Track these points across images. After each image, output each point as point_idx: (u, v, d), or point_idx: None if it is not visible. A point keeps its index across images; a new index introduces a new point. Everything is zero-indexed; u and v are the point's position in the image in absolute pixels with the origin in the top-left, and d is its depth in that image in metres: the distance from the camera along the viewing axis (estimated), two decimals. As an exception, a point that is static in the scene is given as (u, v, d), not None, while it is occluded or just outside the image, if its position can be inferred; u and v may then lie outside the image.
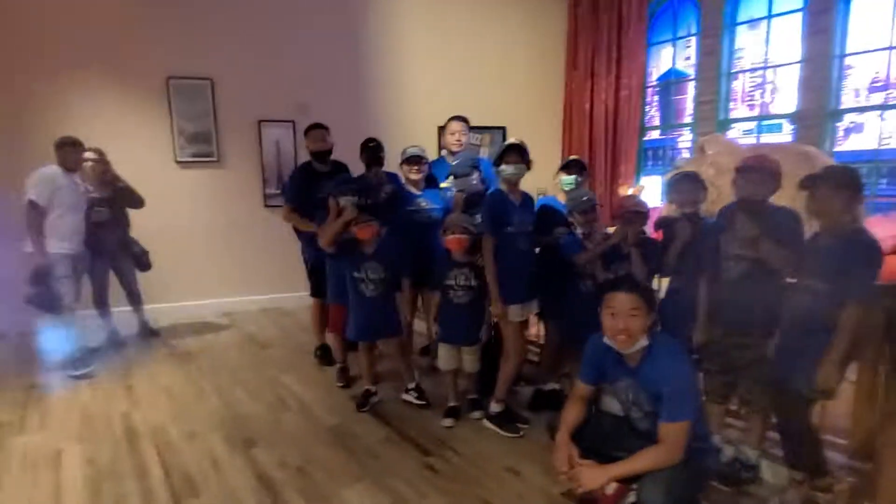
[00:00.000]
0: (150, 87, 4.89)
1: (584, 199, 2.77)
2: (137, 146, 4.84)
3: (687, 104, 5.64)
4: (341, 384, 3.45)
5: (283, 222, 3.85)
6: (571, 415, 2.04)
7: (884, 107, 4.29)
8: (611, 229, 2.78)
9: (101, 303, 4.24)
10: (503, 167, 2.68)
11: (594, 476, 1.82)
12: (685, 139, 5.68)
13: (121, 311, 4.39)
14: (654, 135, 6.06)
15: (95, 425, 2.94)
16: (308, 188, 3.50)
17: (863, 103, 4.42)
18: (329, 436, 2.81)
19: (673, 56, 5.77)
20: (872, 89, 4.35)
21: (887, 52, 4.22)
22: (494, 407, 2.88)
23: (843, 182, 1.92)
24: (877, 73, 4.32)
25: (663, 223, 2.67)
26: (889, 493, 1.79)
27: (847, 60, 4.43)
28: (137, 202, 4.21)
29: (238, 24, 5.10)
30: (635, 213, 2.59)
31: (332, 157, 3.68)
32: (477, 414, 3.00)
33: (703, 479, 1.95)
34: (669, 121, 5.89)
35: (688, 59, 5.59)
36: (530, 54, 6.36)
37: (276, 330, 4.74)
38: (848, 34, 4.37)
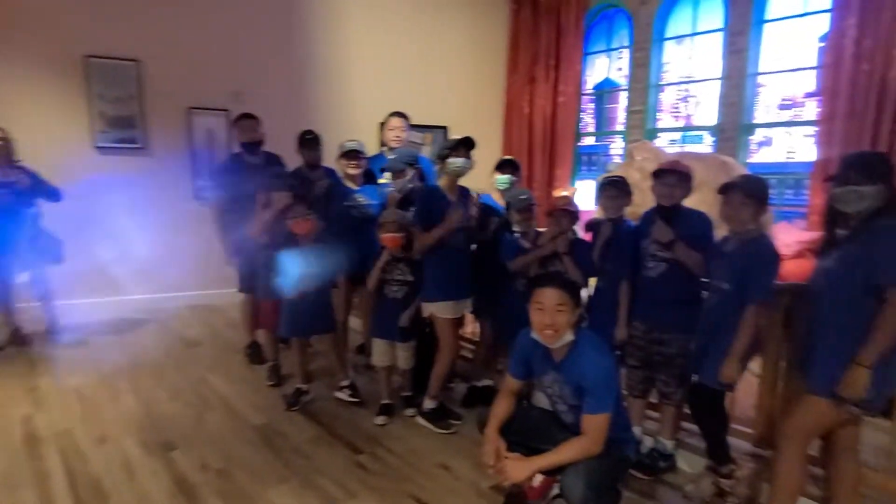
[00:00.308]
0: (64, 66, 4.53)
1: (523, 197, 2.83)
2: (50, 129, 4.49)
3: (619, 113, 5.90)
4: (272, 383, 3.35)
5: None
6: (500, 409, 2.07)
7: (790, 123, 4.67)
8: (543, 229, 2.85)
9: (3, 296, 3.89)
10: (452, 160, 2.68)
11: (520, 469, 1.86)
12: (617, 146, 5.94)
13: (29, 306, 4.05)
14: (589, 141, 6.29)
15: (-10, 431, 2.70)
16: (238, 180, 3.37)
17: (773, 119, 4.80)
18: (255, 436, 2.72)
19: (608, 66, 6.02)
20: (781, 107, 4.73)
21: (794, 73, 4.60)
22: (428, 403, 2.89)
23: (754, 192, 2.08)
24: (785, 91, 4.70)
25: (592, 225, 2.78)
26: (784, 478, 1.93)
27: (760, 79, 4.79)
28: (50, 194, 3.88)
29: (169, 4, 4.84)
30: (565, 211, 2.67)
31: (267, 148, 3.56)
32: (410, 411, 3.00)
33: (623, 468, 2.04)
34: (603, 128, 6.13)
35: (620, 69, 5.85)
36: (473, 56, 6.44)
37: (204, 327, 4.53)
38: (760, 55, 4.73)
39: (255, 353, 3.71)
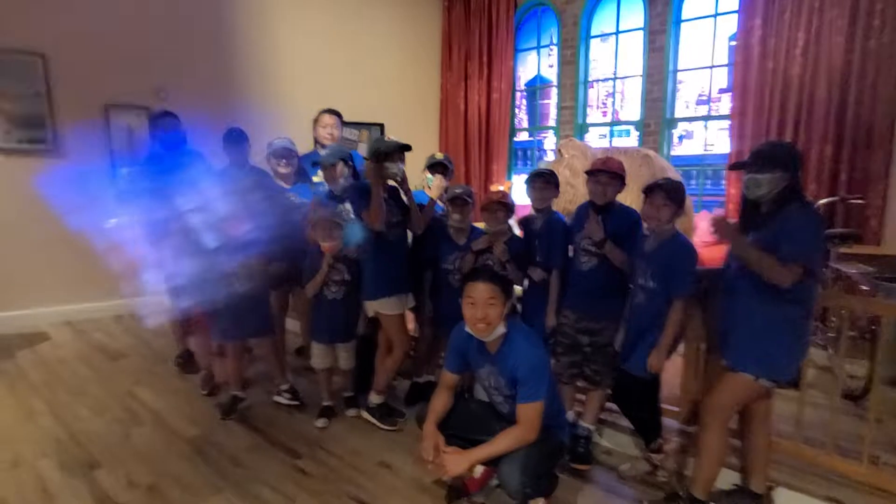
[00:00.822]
0: (-40, 61, 4.15)
1: (458, 191, 2.84)
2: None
3: (551, 109, 6.06)
4: (205, 392, 3.21)
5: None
6: (438, 404, 2.09)
7: (707, 117, 4.97)
8: (479, 224, 2.89)
9: None
10: (389, 164, 2.61)
11: (457, 462, 1.89)
12: (550, 141, 6.10)
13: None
14: (524, 136, 6.43)
15: None
16: (155, 181, 3.19)
17: (692, 114, 5.08)
18: (187, 448, 2.61)
19: (538, 63, 6.17)
20: (699, 102, 5.02)
21: (709, 70, 4.90)
22: (374, 398, 2.86)
23: (675, 195, 2.19)
24: (702, 88, 4.99)
25: (524, 221, 2.84)
26: (708, 450, 2.06)
27: (679, 76, 5.06)
28: None
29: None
30: (501, 204, 2.71)
31: (190, 146, 3.40)
32: (352, 412, 2.97)
33: (558, 453, 2.10)
34: (536, 123, 6.28)
35: (551, 66, 6.01)
36: (407, 53, 6.42)
37: (130, 338, 4.28)
38: (679, 53, 4.99)
39: (187, 363, 3.55)
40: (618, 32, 5.40)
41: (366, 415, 2.87)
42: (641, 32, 5.13)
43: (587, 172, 2.45)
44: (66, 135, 4.59)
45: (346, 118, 3.64)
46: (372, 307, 2.78)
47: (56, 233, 4.57)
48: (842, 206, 4.03)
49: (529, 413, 1.89)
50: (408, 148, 2.69)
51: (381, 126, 6.25)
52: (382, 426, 2.80)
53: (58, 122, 4.55)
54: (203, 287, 2.93)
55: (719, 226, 1.93)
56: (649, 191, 2.21)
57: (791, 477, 2.20)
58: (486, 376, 2.07)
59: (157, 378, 3.46)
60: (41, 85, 4.44)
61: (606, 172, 2.37)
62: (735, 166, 1.99)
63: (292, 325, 3.70)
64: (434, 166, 3.10)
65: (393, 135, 6.21)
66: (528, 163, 6.32)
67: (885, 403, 2.49)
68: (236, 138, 3.18)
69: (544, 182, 2.65)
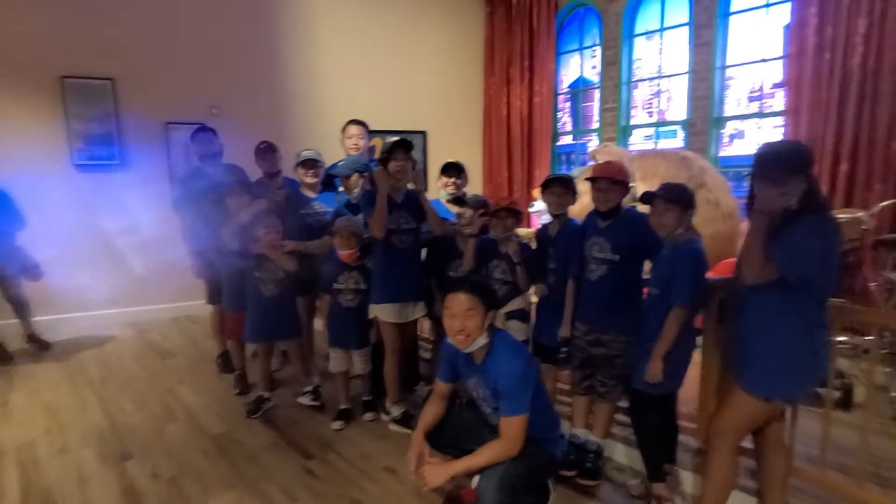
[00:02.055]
0: (41, 87, 4.66)
1: (472, 199, 2.85)
2: (29, 148, 4.61)
3: (594, 111, 5.90)
4: (237, 391, 3.41)
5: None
6: (428, 413, 2.11)
7: (760, 115, 4.65)
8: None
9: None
10: (391, 163, 2.66)
11: (437, 474, 1.89)
12: (594, 144, 5.93)
13: (7, 323, 4.16)
14: (568, 140, 6.29)
15: (-44, 446, 2.78)
16: (197, 193, 3.43)
17: (743, 111, 4.77)
18: (211, 444, 2.77)
19: (580, 65, 6.03)
20: (752, 99, 4.70)
21: (761, 64, 4.58)
22: (394, 410, 2.92)
23: (675, 198, 2.07)
24: (754, 84, 4.67)
25: (539, 231, 2.80)
26: (715, 473, 1.91)
27: (730, 72, 4.77)
28: (11, 221, 3.98)
29: (142, 22, 4.95)
30: (509, 210, 2.69)
31: (244, 161, 3.62)
32: (369, 416, 3.04)
33: (550, 467, 2.05)
34: (579, 126, 6.13)
35: (594, 67, 5.85)
36: (451, 60, 6.48)
37: (182, 339, 4.62)
38: (728, 47, 4.71)
39: (225, 363, 3.77)
40: (662, 29, 5.18)
41: (395, 427, 2.90)
42: (686, 28, 4.88)
43: (587, 179, 2.38)
44: (132, 151, 5.04)
45: (390, 128, 3.70)
46: (373, 310, 2.84)
47: (121, 242, 5.04)
48: (912, 209, 3.63)
49: (511, 426, 1.86)
50: (408, 144, 2.70)
51: (424, 133, 6.34)
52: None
53: (124, 139, 4.99)
54: (236, 290, 3.14)
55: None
56: (648, 200, 2.11)
57: (815, 507, 2.02)
58: (473, 387, 2.06)
59: (198, 377, 3.70)
60: (110, 106, 4.90)
61: (606, 179, 2.29)
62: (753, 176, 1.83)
63: (321, 325, 3.82)
64: (447, 168, 3.12)
65: (436, 144, 6.36)
66: (572, 167, 6.18)
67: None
68: (265, 150, 3.38)
69: (563, 188, 2.61)
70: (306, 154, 3.33)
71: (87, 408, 3.22)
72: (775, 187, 1.68)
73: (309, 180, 3.34)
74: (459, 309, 1.87)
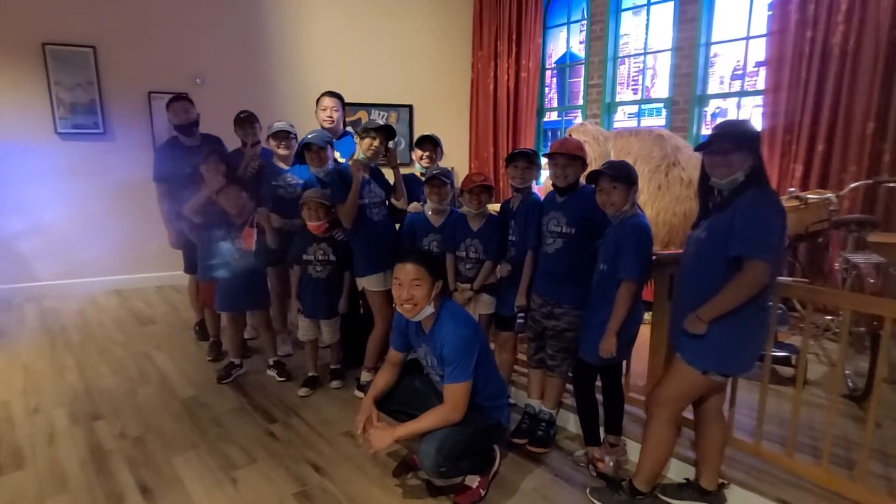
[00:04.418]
0: (23, 53, 4.64)
1: (435, 171, 2.87)
2: (11, 116, 4.62)
3: (581, 87, 5.85)
4: (210, 358, 3.49)
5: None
6: (381, 380, 2.17)
7: (742, 93, 4.62)
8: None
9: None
10: (366, 140, 2.77)
11: (381, 437, 1.96)
12: (578, 121, 5.90)
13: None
14: (554, 116, 6.26)
15: (-68, 404, 2.87)
16: (174, 163, 3.45)
17: (726, 90, 4.74)
18: (180, 407, 2.87)
19: (567, 39, 5.95)
20: (734, 77, 4.67)
21: (745, 41, 4.53)
22: (365, 376, 3.00)
23: (620, 175, 2.09)
24: (738, 61, 4.63)
25: (503, 207, 2.83)
26: (652, 444, 1.98)
27: (714, 49, 4.72)
28: None
29: (122, -10, 4.90)
30: (483, 187, 2.72)
31: (225, 132, 3.63)
32: (335, 384, 3.12)
33: (490, 434, 2.11)
34: (566, 102, 6.09)
35: (582, 42, 5.78)
36: (438, 34, 6.40)
37: (164, 307, 4.69)
38: (713, 24, 4.65)
39: (202, 330, 3.85)
40: (649, 4, 5.10)
41: (359, 394, 2.98)
42: (671, 3, 4.81)
43: (545, 156, 2.40)
44: (114, 120, 5.04)
45: (376, 101, 3.68)
46: (360, 283, 2.92)
47: (106, 210, 5.08)
48: (884, 190, 3.65)
49: (454, 392, 1.92)
50: (391, 131, 2.79)
51: (410, 107, 6.31)
52: None
53: (106, 108, 4.99)
54: (210, 260, 3.19)
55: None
56: (593, 180, 2.14)
57: (747, 476, 2.10)
58: (423, 356, 2.12)
59: (175, 344, 3.79)
60: (92, 75, 4.88)
61: (563, 155, 2.31)
62: (702, 147, 1.87)
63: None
64: (421, 141, 3.15)
65: (422, 118, 6.32)
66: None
67: (883, 406, 2.30)
68: (244, 119, 3.41)
69: (527, 162, 2.63)
70: (278, 125, 3.34)
71: (64, 370, 3.31)
72: (720, 157, 1.76)
73: (281, 152, 3.36)
74: (406, 279, 1.92)
